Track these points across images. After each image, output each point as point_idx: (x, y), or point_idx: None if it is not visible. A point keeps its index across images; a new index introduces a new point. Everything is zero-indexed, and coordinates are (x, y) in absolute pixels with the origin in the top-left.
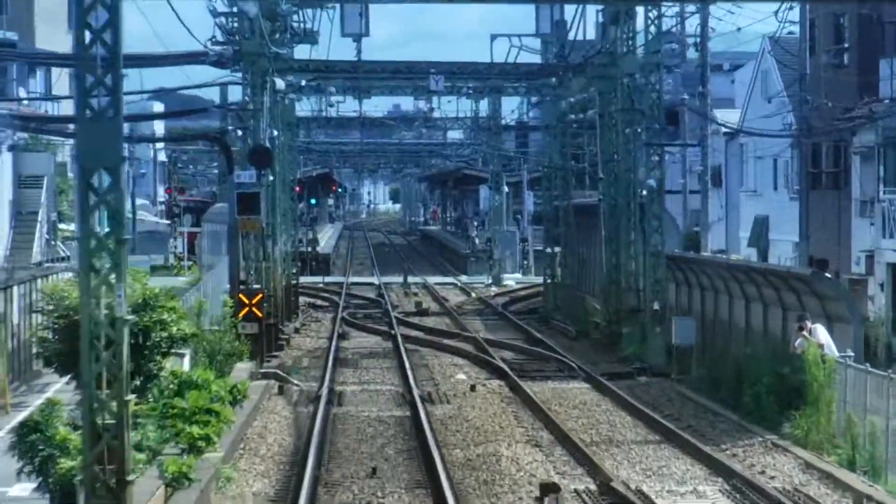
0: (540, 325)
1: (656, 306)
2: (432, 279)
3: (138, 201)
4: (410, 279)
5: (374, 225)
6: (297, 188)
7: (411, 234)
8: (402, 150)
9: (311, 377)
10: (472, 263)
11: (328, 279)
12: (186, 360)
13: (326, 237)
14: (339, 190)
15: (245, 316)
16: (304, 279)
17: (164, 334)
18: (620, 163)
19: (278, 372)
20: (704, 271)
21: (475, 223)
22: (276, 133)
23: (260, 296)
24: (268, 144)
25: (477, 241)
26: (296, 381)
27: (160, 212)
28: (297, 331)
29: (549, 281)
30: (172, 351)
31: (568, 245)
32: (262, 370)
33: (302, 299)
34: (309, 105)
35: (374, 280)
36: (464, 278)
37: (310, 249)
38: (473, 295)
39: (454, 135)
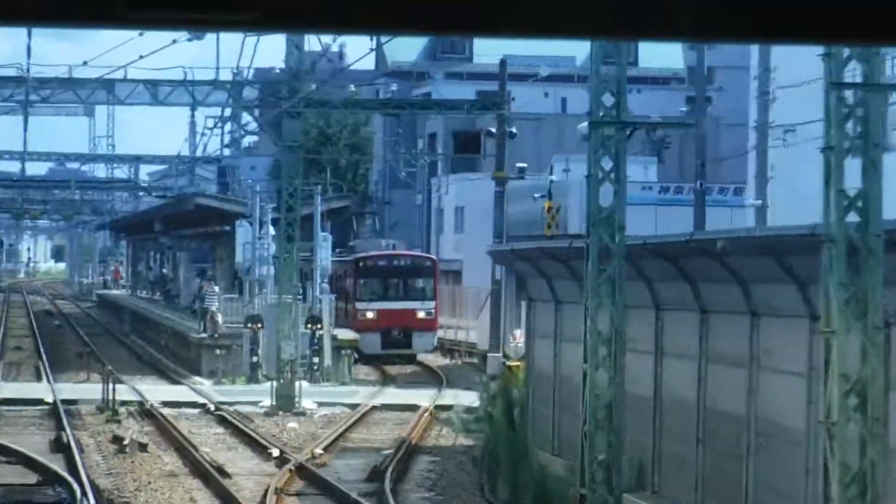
0: None
1: None
2: (150, 389)
3: None
4: (117, 390)
5: (35, 287)
6: None
7: (84, 299)
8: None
9: None
10: (216, 358)
11: None
12: None
13: None
14: None
15: None
16: None
17: None
18: None
19: None
20: None
21: (214, 286)
22: None
23: None
24: None
25: (220, 319)
26: None
27: None
28: None
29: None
30: None
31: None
32: None
33: None
34: None
35: (44, 392)
36: (205, 387)
37: None
38: (287, 468)
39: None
